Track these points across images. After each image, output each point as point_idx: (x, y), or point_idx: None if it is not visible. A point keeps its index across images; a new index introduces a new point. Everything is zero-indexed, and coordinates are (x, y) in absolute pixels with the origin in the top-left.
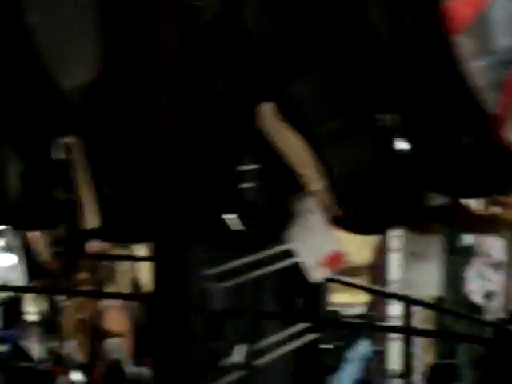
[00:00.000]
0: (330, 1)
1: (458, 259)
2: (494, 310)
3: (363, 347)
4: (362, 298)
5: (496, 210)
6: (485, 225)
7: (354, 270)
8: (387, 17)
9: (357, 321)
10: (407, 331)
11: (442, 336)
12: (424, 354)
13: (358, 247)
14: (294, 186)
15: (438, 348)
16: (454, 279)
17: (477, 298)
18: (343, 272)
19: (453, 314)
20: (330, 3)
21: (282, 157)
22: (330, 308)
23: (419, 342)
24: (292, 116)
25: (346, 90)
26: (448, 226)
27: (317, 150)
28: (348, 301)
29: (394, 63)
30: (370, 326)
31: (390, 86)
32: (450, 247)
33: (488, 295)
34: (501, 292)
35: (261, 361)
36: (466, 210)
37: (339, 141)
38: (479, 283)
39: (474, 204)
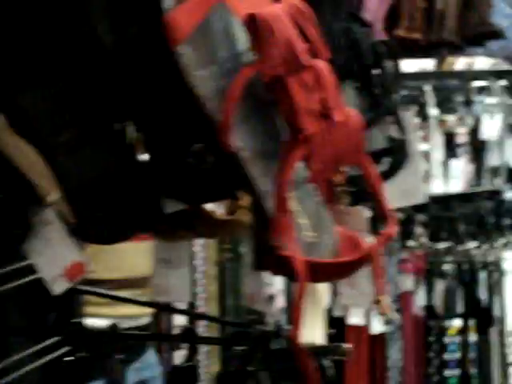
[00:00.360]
0: (53, 12)
1: (239, 266)
2: (274, 313)
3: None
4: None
5: (235, 214)
6: (226, 229)
7: (138, 281)
8: (112, 26)
9: (137, 332)
10: (158, 338)
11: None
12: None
13: (141, 259)
14: (30, 198)
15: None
16: (234, 286)
17: (257, 303)
18: (124, 284)
19: (205, 319)
20: (53, 14)
21: (16, 168)
22: (114, 320)
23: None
24: (24, 127)
25: (78, 101)
26: (192, 232)
27: (52, 161)
28: (136, 312)
29: (123, 73)
30: (121, 336)
31: (123, 96)
32: (234, 254)
33: (269, 299)
34: (280, 295)
35: (8, 379)
36: (207, 215)
37: (73, 151)
38: (259, 288)
39: (217, 209)
